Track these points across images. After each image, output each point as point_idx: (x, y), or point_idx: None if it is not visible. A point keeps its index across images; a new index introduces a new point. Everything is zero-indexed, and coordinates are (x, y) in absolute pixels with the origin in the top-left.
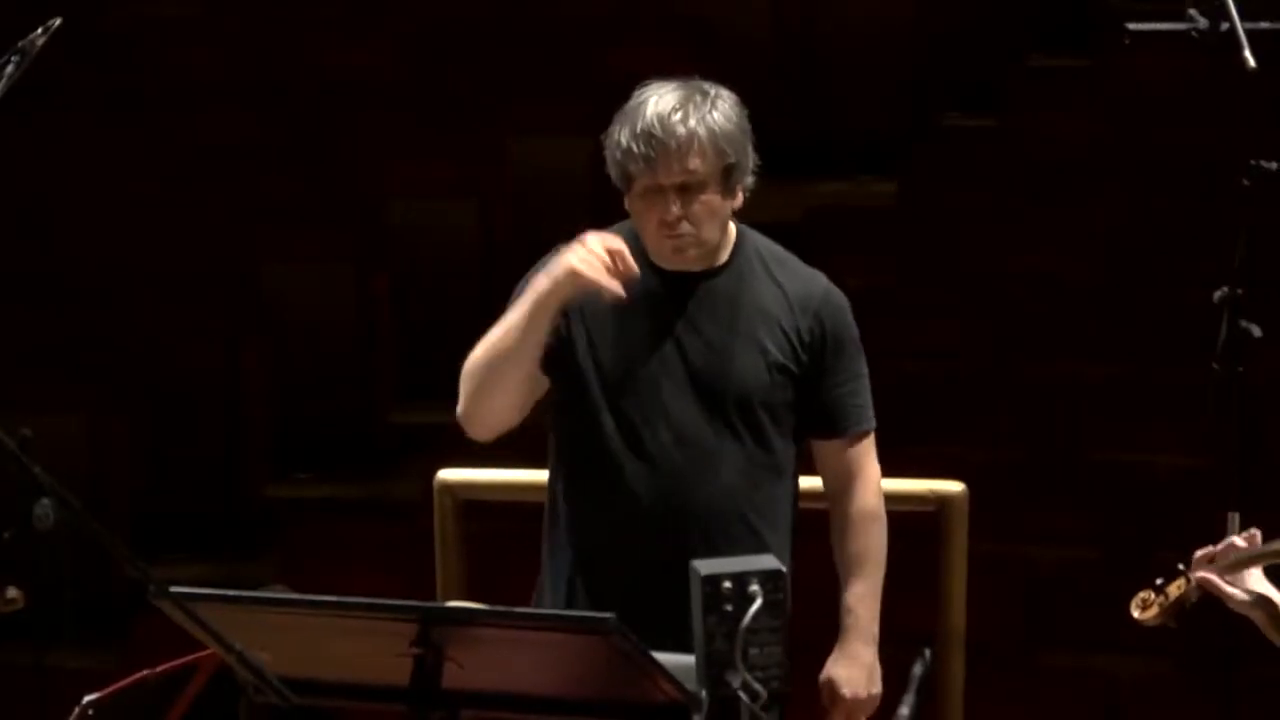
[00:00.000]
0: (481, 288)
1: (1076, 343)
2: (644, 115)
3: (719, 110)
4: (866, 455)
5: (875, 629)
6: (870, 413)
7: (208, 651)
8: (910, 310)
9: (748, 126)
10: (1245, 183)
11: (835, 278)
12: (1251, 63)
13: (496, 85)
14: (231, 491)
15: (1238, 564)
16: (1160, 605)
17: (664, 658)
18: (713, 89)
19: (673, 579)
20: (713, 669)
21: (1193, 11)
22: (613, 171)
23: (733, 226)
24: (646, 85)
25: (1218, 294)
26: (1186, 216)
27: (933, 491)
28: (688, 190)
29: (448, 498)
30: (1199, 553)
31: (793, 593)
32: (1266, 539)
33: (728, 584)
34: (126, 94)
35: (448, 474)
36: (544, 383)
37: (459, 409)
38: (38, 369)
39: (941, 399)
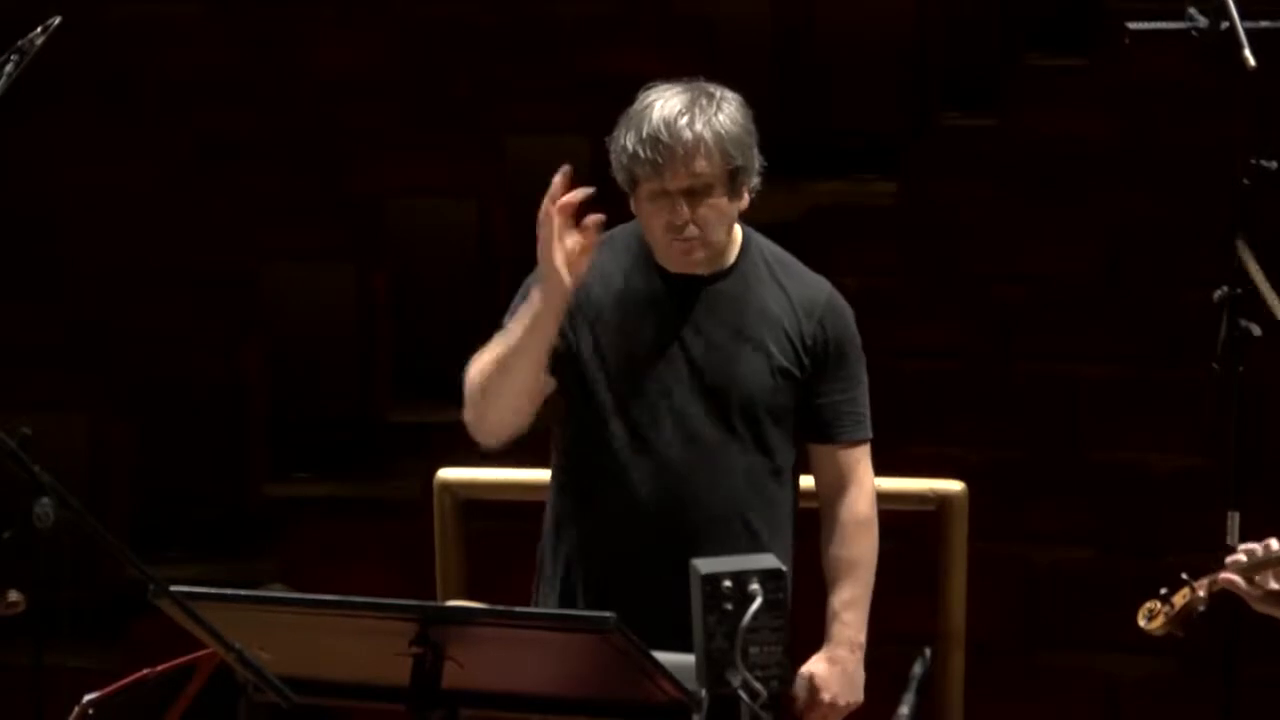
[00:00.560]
0: (480, 287)
1: (1076, 342)
2: (650, 119)
3: (725, 113)
4: (862, 463)
5: (861, 638)
6: (868, 422)
7: (207, 651)
8: (910, 309)
9: (753, 128)
10: (1245, 182)
11: (835, 277)
12: (1251, 62)
13: (494, 85)
14: (231, 491)
15: (1257, 569)
16: (1166, 615)
17: (664, 657)
18: (718, 91)
19: (674, 579)
20: (713, 668)
21: (1192, 10)
22: (618, 175)
23: (738, 229)
24: (651, 87)
25: (1217, 293)
26: (1186, 216)
27: (932, 491)
28: (694, 194)
29: (447, 497)
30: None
31: (794, 593)
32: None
33: (728, 583)
34: (126, 93)
35: (447, 473)
36: (551, 384)
37: (467, 417)
38: (37, 368)
39: (941, 398)
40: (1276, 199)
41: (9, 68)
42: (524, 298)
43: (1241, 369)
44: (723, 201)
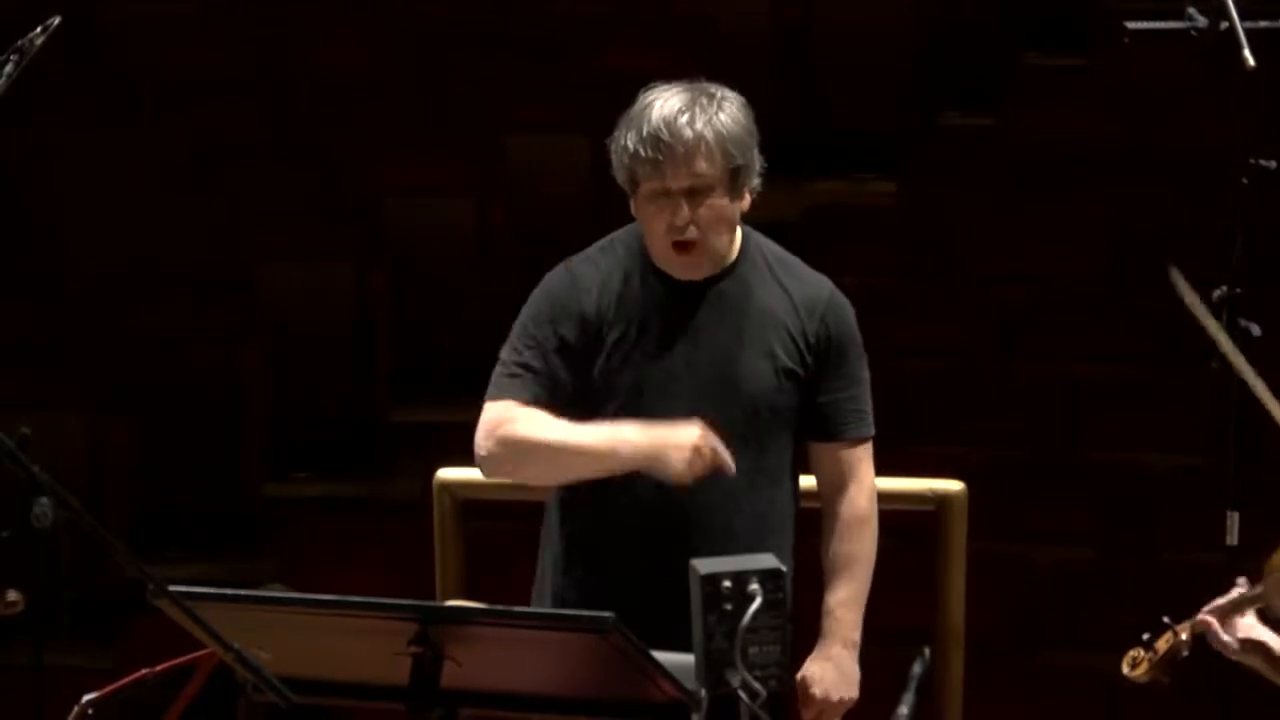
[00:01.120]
0: (479, 286)
1: (1075, 341)
2: (650, 119)
3: (725, 113)
4: (863, 461)
5: (856, 635)
6: (870, 420)
7: (206, 650)
8: (909, 309)
9: (754, 128)
10: (1244, 181)
11: (834, 277)
12: (1250, 61)
13: (494, 83)
14: (230, 490)
15: (1227, 613)
16: (1150, 661)
17: (663, 656)
18: (719, 91)
19: (675, 580)
20: (712, 668)
21: (1192, 10)
22: (619, 175)
23: (739, 231)
24: (652, 87)
25: (1216, 293)
26: (1185, 215)
27: (931, 490)
28: (695, 194)
29: (446, 497)
30: (1207, 607)
31: (794, 593)
32: (1254, 581)
33: (727, 583)
34: (124, 93)
35: (446, 473)
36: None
37: (489, 454)
38: (36, 367)
39: (940, 398)
40: (1276, 198)
41: (8, 68)
42: (539, 313)
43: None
44: (723, 202)
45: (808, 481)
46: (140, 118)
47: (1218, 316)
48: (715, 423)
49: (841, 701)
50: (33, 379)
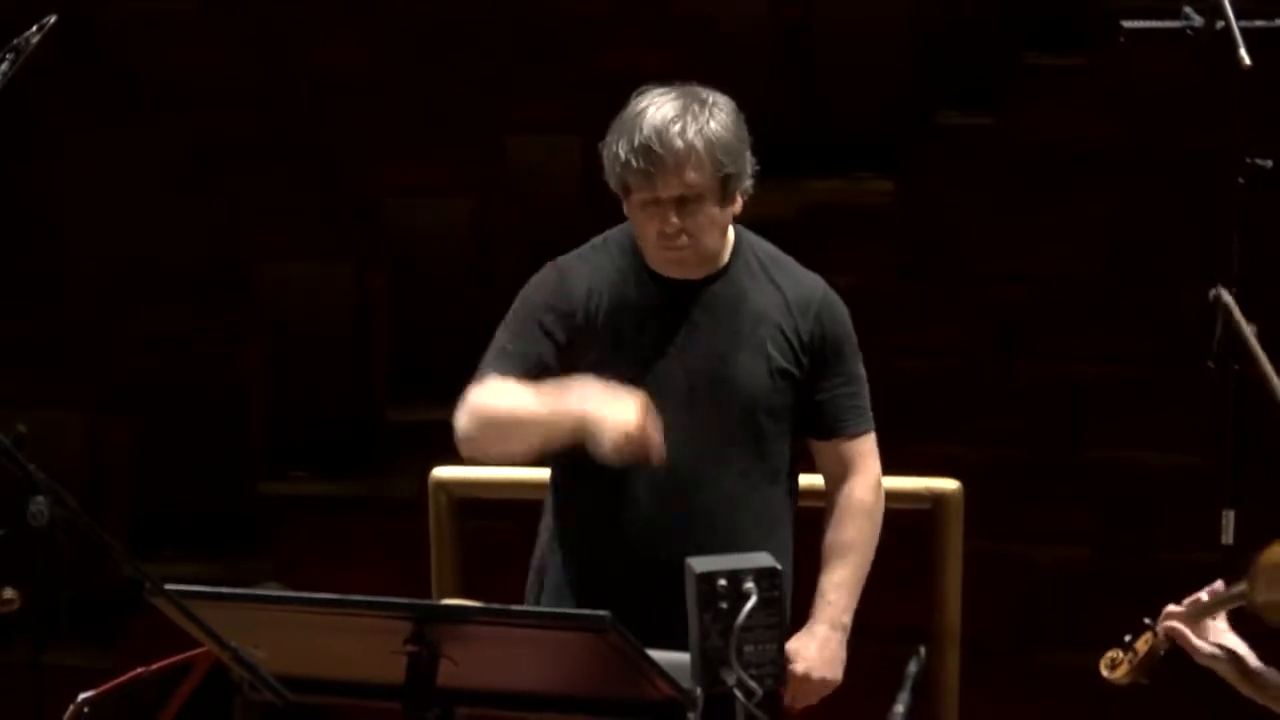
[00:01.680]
0: (478, 286)
1: (1072, 341)
2: (641, 128)
3: (716, 120)
4: (864, 455)
5: (846, 619)
6: (868, 414)
7: (203, 649)
8: (906, 308)
9: (745, 133)
10: (1241, 181)
11: (832, 275)
12: (1247, 61)
13: (492, 84)
14: (228, 489)
15: (1200, 615)
16: (1130, 662)
17: (659, 655)
18: (710, 96)
19: (670, 578)
20: (708, 666)
21: (1188, 9)
22: (611, 180)
23: (731, 230)
24: (643, 92)
25: (1213, 292)
26: (1182, 214)
27: (928, 489)
28: (686, 202)
29: (443, 495)
30: (1167, 608)
31: (793, 592)
32: (1233, 580)
33: (723, 581)
34: (123, 92)
35: (443, 472)
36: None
37: (460, 430)
38: (36, 367)
39: (937, 397)
40: (1272, 197)
41: (4, 66)
42: (525, 310)
43: (1237, 367)
44: (714, 210)
45: (809, 480)
46: (140, 118)
47: (1214, 316)
48: (709, 422)
49: (823, 681)
50: (33, 379)
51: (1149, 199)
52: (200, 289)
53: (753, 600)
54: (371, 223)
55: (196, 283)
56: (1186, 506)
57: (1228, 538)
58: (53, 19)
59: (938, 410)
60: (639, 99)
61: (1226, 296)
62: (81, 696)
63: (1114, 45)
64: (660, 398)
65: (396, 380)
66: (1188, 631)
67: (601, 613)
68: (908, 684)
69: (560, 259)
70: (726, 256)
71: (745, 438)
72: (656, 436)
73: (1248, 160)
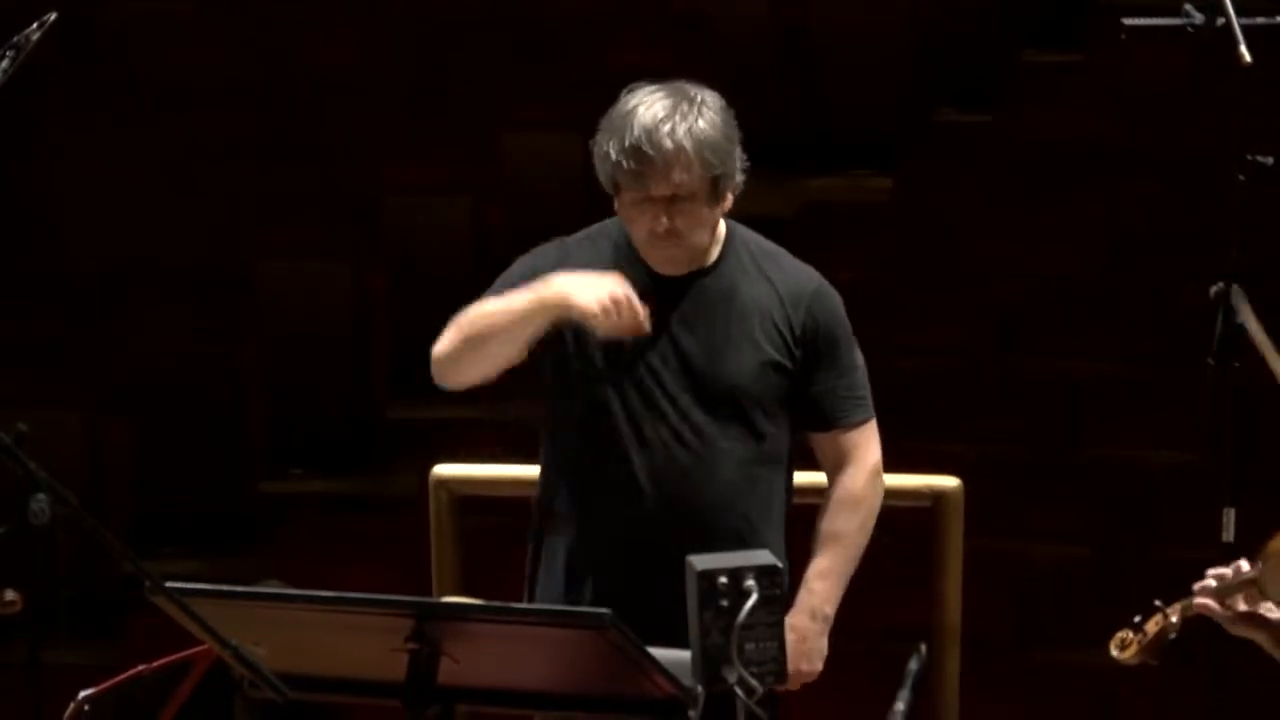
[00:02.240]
0: (477, 285)
1: (1072, 338)
2: (631, 128)
3: (705, 119)
4: (862, 444)
5: (829, 610)
6: (867, 403)
7: (203, 647)
8: (905, 306)
9: (734, 130)
10: (1241, 178)
11: (830, 273)
12: (1247, 58)
13: (491, 82)
14: (228, 487)
15: (1230, 590)
16: (1139, 643)
17: (659, 652)
18: (699, 94)
19: (669, 575)
20: (709, 664)
21: (1188, 6)
22: (601, 178)
23: (722, 225)
24: (633, 90)
25: (1213, 289)
26: (1182, 212)
27: (928, 487)
28: (676, 200)
29: (443, 493)
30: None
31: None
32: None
33: (723, 579)
34: (122, 91)
35: (442, 469)
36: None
37: (438, 351)
38: (36, 367)
39: (937, 395)
40: (1273, 194)
41: (4, 64)
42: (521, 270)
43: (1237, 364)
44: (704, 209)
45: (807, 478)
46: (140, 118)
47: (1215, 314)
48: (701, 414)
49: (798, 672)
50: (32, 379)
51: (1149, 197)
52: (200, 289)
53: (754, 598)
54: (371, 222)
55: (196, 283)
56: (1186, 505)
57: (1228, 536)
58: (53, 16)
59: (937, 409)
60: (628, 97)
61: (1235, 291)
62: (82, 694)
63: (1113, 43)
64: (653, 386)
65: (396, 379)
66: (1215, 604)
67: (601, 610)
68: (908, 682)
69: (566, 238)
70: (717, 251)
71: (740, 430)
72: (637, 303)
73: (1248, 157)
